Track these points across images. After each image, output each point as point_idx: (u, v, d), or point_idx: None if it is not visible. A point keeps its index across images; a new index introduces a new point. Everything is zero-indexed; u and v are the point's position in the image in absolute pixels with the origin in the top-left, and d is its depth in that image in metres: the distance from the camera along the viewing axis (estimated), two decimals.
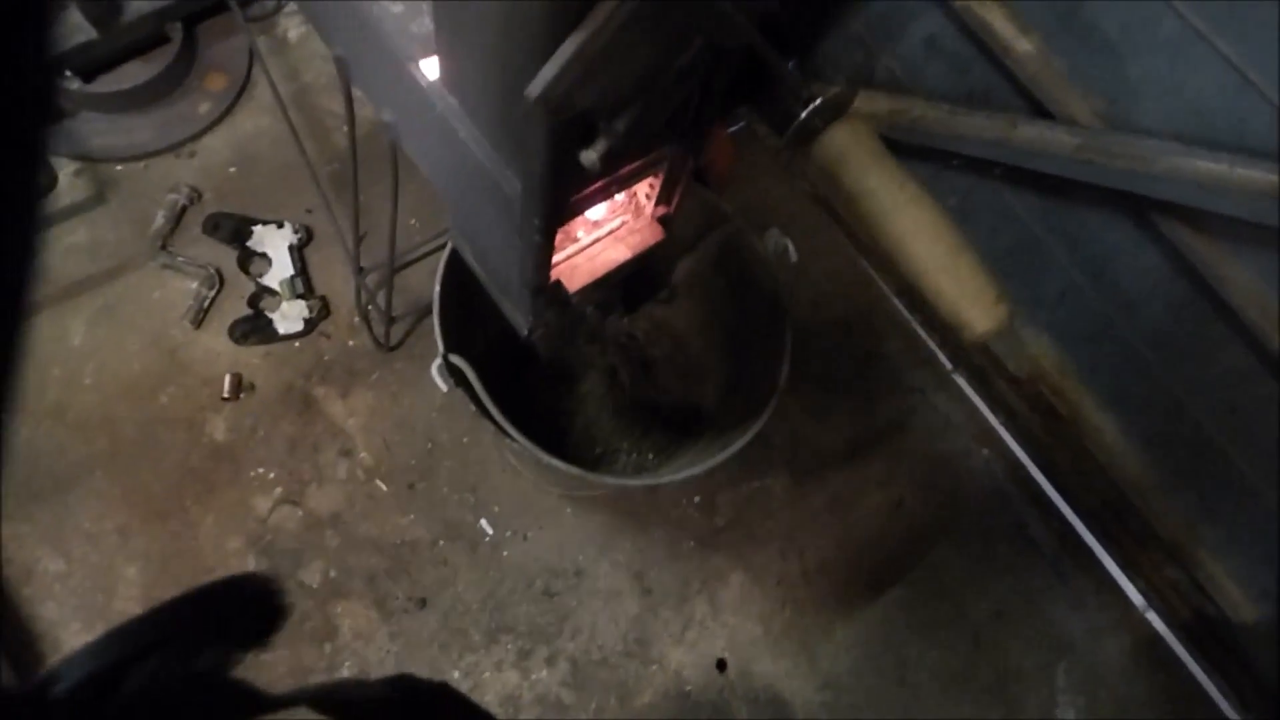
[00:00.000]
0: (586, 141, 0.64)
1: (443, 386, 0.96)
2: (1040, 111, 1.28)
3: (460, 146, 0.75)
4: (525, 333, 0.96)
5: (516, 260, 0.81)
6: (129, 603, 1.34)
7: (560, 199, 0.69)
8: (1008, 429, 1.69)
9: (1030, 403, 1.64)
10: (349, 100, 1.05)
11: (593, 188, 0.74)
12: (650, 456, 1.33)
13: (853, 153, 0.51)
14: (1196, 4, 1.04)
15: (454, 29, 0.68)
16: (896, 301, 1.78)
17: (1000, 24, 1.26)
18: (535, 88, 0.55)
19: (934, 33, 1.40)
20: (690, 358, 1.40)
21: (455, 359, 0.96)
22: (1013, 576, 1.61)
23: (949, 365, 1.74)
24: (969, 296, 0.48)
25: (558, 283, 0.86)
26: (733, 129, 1.81)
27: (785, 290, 1.13)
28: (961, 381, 1.73)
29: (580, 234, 0.92)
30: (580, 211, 0.80)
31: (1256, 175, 1.04)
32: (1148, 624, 1.61)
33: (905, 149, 1.56)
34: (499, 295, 0.97)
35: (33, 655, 1.28)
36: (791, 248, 1.10)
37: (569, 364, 1.33)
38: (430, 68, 0.76)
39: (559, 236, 0.91)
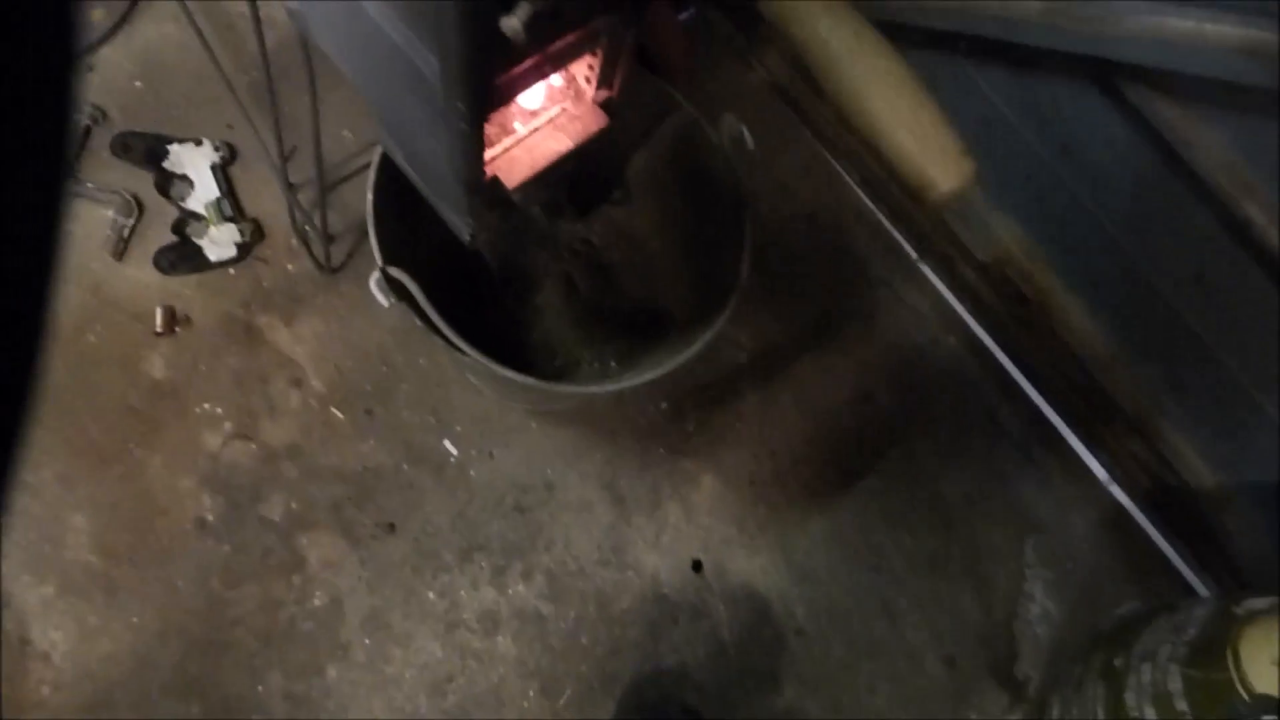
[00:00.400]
0: (507, 6, 0.56)
1: (383, 301, 0.90)
2: None
3: (372, 26, 0.67)
4: (467, 238, 0.89)
5: (446, 156, 0.73)
6: (81, 551, 1.29)
7: (485, 78, 0.62)
8: (975, 316, 1.67)
9: (997, 288, 1.62)
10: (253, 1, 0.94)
11: (522, 66, 0.66)
12: (613, 364, 1.29)
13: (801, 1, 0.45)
14: None
15: None
16: (860, 192, 1.72)
17: None
18: None
19: None
20: (649, 259, 1.34)
21: (394, 271, 0.90)
22: (982, 461, 1.63)
23: (914, 255, 1.70)
24: (932, 153, 0.44)
25: (495, 179, 0.79)
26: (683, 16, 1.69)
27: (743, 181, 1.06)
28: (927, 270, 1.70)
29: (516, 125, 0.84)
30: (511, 96, 0.72)
31: (1227, 30, 0.99)
32: (1111, 497, 1.64)
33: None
34: (436, 200, 0.90)
35: None
36: (747, 134, 1.03)
37: (523, 272, 1.26)
38: None
39: (494, 128, 0.84)
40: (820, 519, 1.52)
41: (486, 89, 0.63)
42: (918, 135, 0.45)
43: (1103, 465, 1.63)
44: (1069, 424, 1.64)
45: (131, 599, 1.28)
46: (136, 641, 1.27)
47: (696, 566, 1.45)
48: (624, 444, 1.48)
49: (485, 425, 1.43)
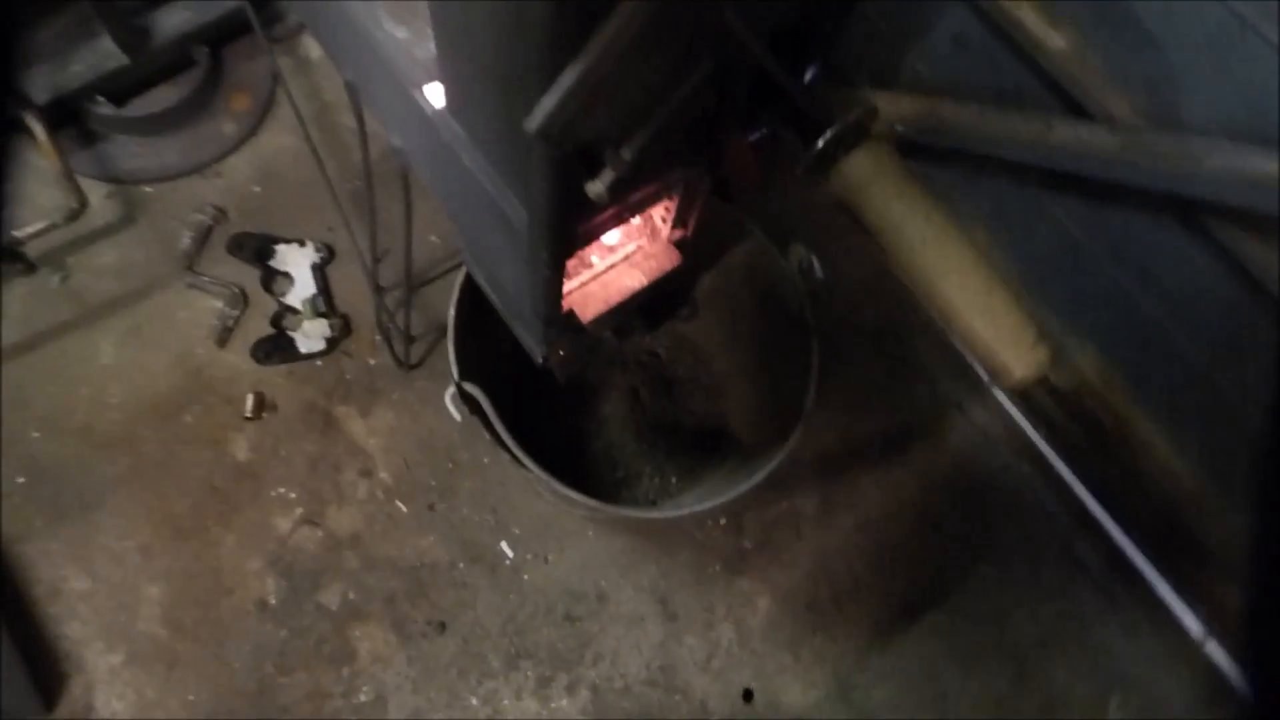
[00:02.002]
0: (593, 172, 0.60)
1: (456, 416, 0.94)
2: (1077, 110, 1.22)
3: (467, 175, 0.73)
4: (539, 360, 0.93)
5: (527, 289, 0.78)
6: (151, 623, 1.34)
7: (568, 231, 0.66)
8: (1050, 443, 1.62)
9: (1074, 415, 1.56)
10: (361, 124, 1.03)
11: (603, 216, 0.71)
12: (674, 480, 1.29)
13: (875, 182, 0.47)
14: None
15: (455, 55, 0.65)
16: (930, 311, 1.71)
17: (1030, 19, 1.21)
18: (534, 120, 0.52)
19: (961, 30, 1.34)
20: (714, 376, 1.36)
21: (469, 387, 0.94)
22: (1059, 601, 1.54)
23: (986, 377, 1.67)
24: (1004, 339, 0.44)
25: (570, 312, 0.83)
26: (754, 137, 1.76)
27: (810, 307, 1.08)
28: (1000, 394, 1.66)
29: (594, 259, 0.89)
30: (592, 240, 0.77)
31: None
32: (1207, 657, 1.52)
33: (935, 152, 1.52)
34: (512, 320, 0.94)
35: (56, 675, 1.29)
36: (817, 264, 1.06)
37: (590, 384, 1.30)
38: (435, 94, 0.74)
39: (573, 262, 0.88)
40: (880, 654, 1.45)
41: (568, 239, 0.67)
42: (991, 322, 0.46)
43: (1197, 618, 1.52)
44: (1156, 567, 1.54)
45: (190, 675, 1.32)
46: (189, 718, 1.30)
47: (748, 696, 1.41)
48: (680, 558, 1.46)
49: (543, 528, 1.45)
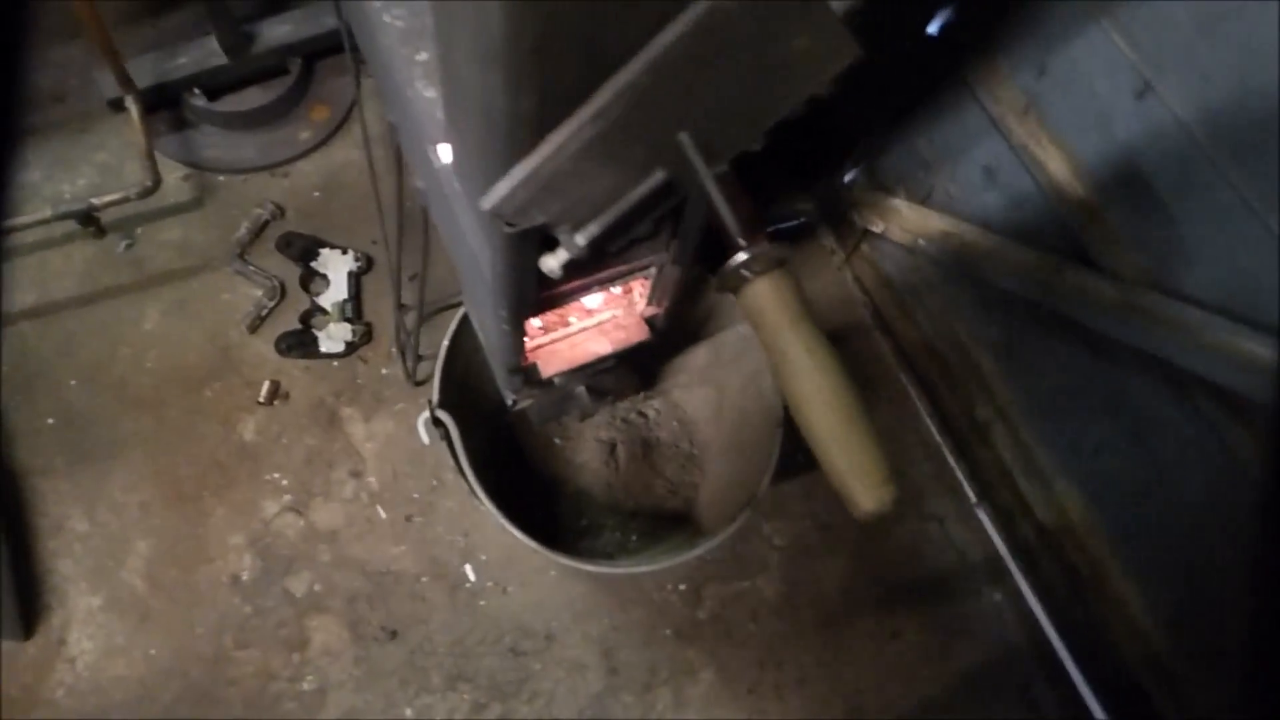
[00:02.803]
0: (549, 249, 0.67)
1: (425, 439, 1.01)
2: (1088, 261, 1.25)
3: (458, 227, 0.81)
4: (509, 402, 1.00)
5: (494, 337, 0.85)
6: (134, 574, 1.43)
7: (525, 296, 0.73)
8: (1026, 577, 1.60)
9: (1054, 555, 1.55)
10: (399, 159, 1.13)
11: (567, 287, 0.78)
12: (634, 538, 1.33)
13: (770, 309, 0.52)
14: (1251, 179, 1.00)
15: (453, 126, 0.73)
16: (929, 423, 1.73)
17: (1056, 166, 1.25)
18: (488, 200, 0.59)
19: (993, 163, 1.39)
20: (695, 444, 1.40)
21: (441, 414, 1.01)
22: None
23: (974, 498, 1.67)
24: (856, 472, 0.48)
25: (533, 365, 0.89)
26: (787, 225, 1.83)
27: (780, 401, 1.12)
28: (985, 518, 1.66)
29: (572, 319, 0.95)
30: (560, 304, 0.83)
31: None
32: None
33: (955, 271, 1.55)
34: (492, 363, 1.01)
35: (40, 606, 1.39)
36: None
37: (571, 432, 1.35)
38: (445, 152, 0.82)
39: (552, 318, 0.95)
40: None
41: (525, 303, 0.74)
42: (846, 455, 0.50)
43: None
44: None
45: (157, 630, 1.40)
46: (147, 672, 1.38)
47: None
48: (634, 615, 1.49)
49: (508, 560, 1.50)
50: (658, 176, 0.64)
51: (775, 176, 1.82)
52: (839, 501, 1.61)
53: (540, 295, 0.76)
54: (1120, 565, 1.45)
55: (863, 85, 1.65)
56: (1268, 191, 1.00)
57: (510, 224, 0.61)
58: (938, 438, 1.72)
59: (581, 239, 0.66)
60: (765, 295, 0.55)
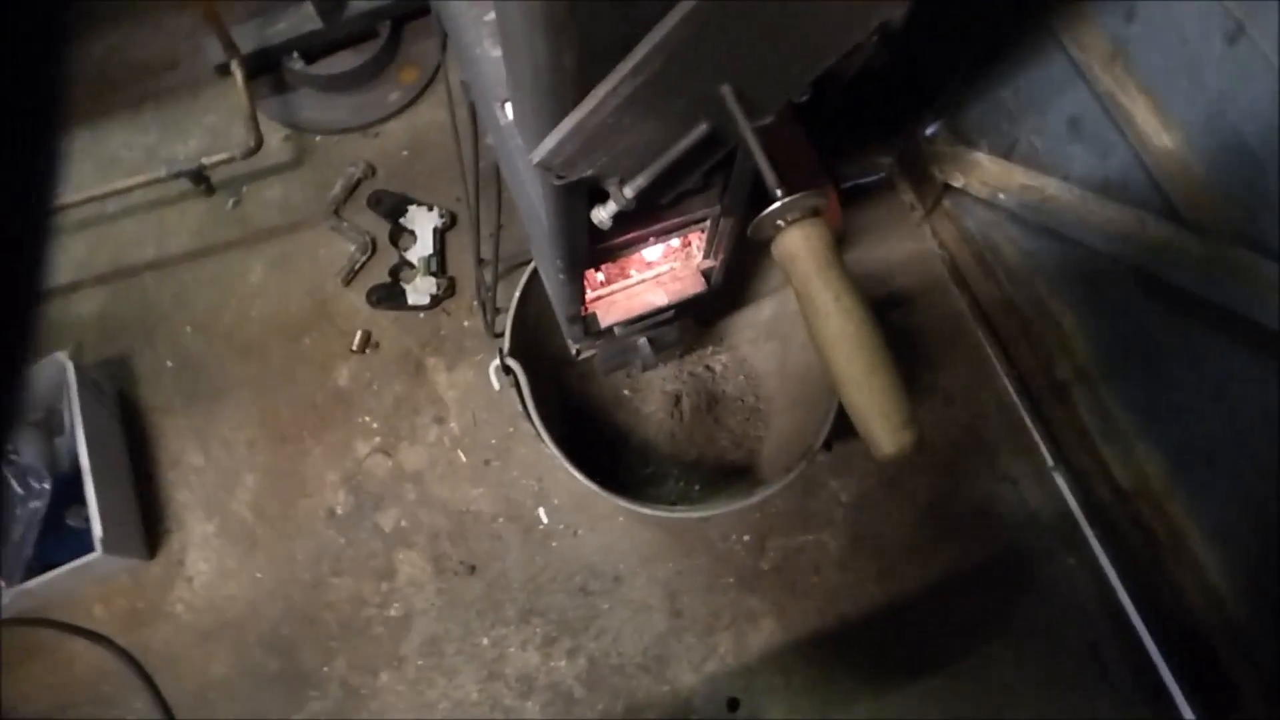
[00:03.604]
0: (599, 201, 0.71)
1: (495, 385, 1.07)
2: (1174, 215, 1.19)
3: (522, 181, 0.85)
4: (573, 353, 1.05)
5: (553, 288, 0.89)
6: (242, 505, 1.57)
7: (576, 246, 0.77)
8: (1101, 542, 1.56)
9: (1131, 518, 1.51)
10: (473, 116, 1.18)
11: (622, 238, 0.81)
12: (696, 487, 1.38)
13: (800, 257, 0.53)
14: None
15: (512, 84, 0.77)
16: (1008, 383, 1.69)
17: (1143, 115, 1.19)
18: (537, 154, 0.63)
19: (1078, 113, 1.33)
20: (760, 398, 1.43)
21: (511, 361, 1.07)
22: (1072, 699, 1.50)
23: (1050, 460, 1.63)
24: (877, 414, 0.49)
25: (592, 315, 0.93)
26: (866, 180, 1.79)
27: None
28: (1061, 480, 1.62)
29: (633, 272, 0.99)
30: (616, 256, 0.87)
31: None
32: None
33: (1038, 227, 1.50)
34: (557, 313, 1.06)
35: (162, 531, 1.55)
36: None
37: (639, 384, 1.40)
38: (508, 111, 0.86)
39: (614, 270, 0.99)
40: (870, 702, 1.48)
41: (579, 253, 0.78)
42: (869, 398, 0.52)
43: None
44: (1185, 693, 1.46)
45: (262, 556, 1.55)
46: (255, 593, 1.53)
47: (732, 705, 1.47)
48: (698, 562, 1.54)
49: (579, 505, 1.57)
50: (701, 128, 0.67)
51: (854, 131, 1.79)
52: (914, 461, 1.60)
53: (594, 247, 0.80)
54: (1199, 529, 1.40)
55: (943, 33, 1.61)
56: None
57: (559, 176, 0.65)
58: (1015, 397, 1.68)
59: (629, 191, 0.69)
60: (796, 243, 0.57)
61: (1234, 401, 1.23)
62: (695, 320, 1.25)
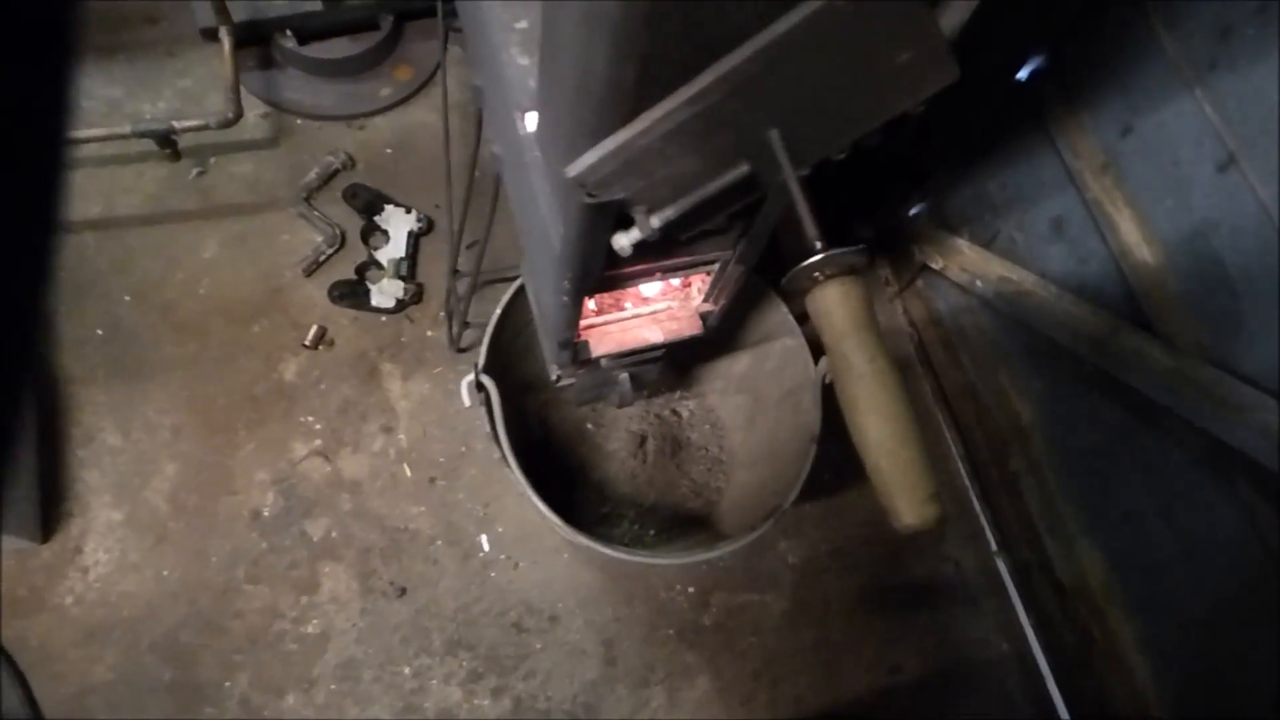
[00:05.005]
0: (623, 227, 0.67)
1: (466, 400, 1.02)
2: (1145, 326, 1.22)
3: (533, 195, 0.81)
4: (553, 377, 1.00)
5: (551, 309, 0.85)
6: (157, 495, 1.46)
7: (589, 269, 0.73)
8: (1036, 633, 1.58)
9: (1067, 615, 1.53)
10: (479, 124, 1.14)
11: (630, 269, 0.78)
12: (651, 533, 1.33)
13: (838, 314, 0.52)
14: None
15: (548, 94, 0.74)
16: (960, 465, 1.71)
17: (1127, 228, 1.23)
18: (574, 168, 0.60)
19: (1063, 215, 1.37)
20: (724, 450, 1.40)
21: (485, 379, 1.02)
22: None
23: (994, 545, 1.65)
24: (902, 486, 0.48)
25: (585, 342, 0.90)
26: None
27: (820, 419, 1.12)
28: (1003, 567, 1.63)
29: (628, 305, 0.96)
30: (620, 286, 0.84)
31: None
32: None
33: (1008, 318, 1.53)
34: (541, 336, 1.02)
35: (60, 512, 1.42)
36: None
37: (604, 420, 1.36)
38: (531, 120, 0.83)
39: (608, 300, 0.96)
40: None
41: (589, 277, 0.75)
42: (896, 468, 0.50)
43: None
44: None
45: (172, 553, 1.43)
46: (156, 592, 1.41)
47: None
48: (639, 611, 1.49)
49: (524, 536, 1.50)
50: (742, 169, 0.64)
51: (841, 198, 1.81)
52: (857, 527, 1.59)
53: (604, 273, 0.76)
54: (1134, 636, 1.42)
55: (943, 119, 1.65)
56: None
57: (591, 195, 0.62)
58: (966, 481, 1.70)
59: (657, 220, 0.66)
60: (835, 299, 0.55)
61: (1183, 515, 1.26)
62: (673, 366, 1.22)
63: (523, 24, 0.88)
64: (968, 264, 1.58)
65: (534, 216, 0.83)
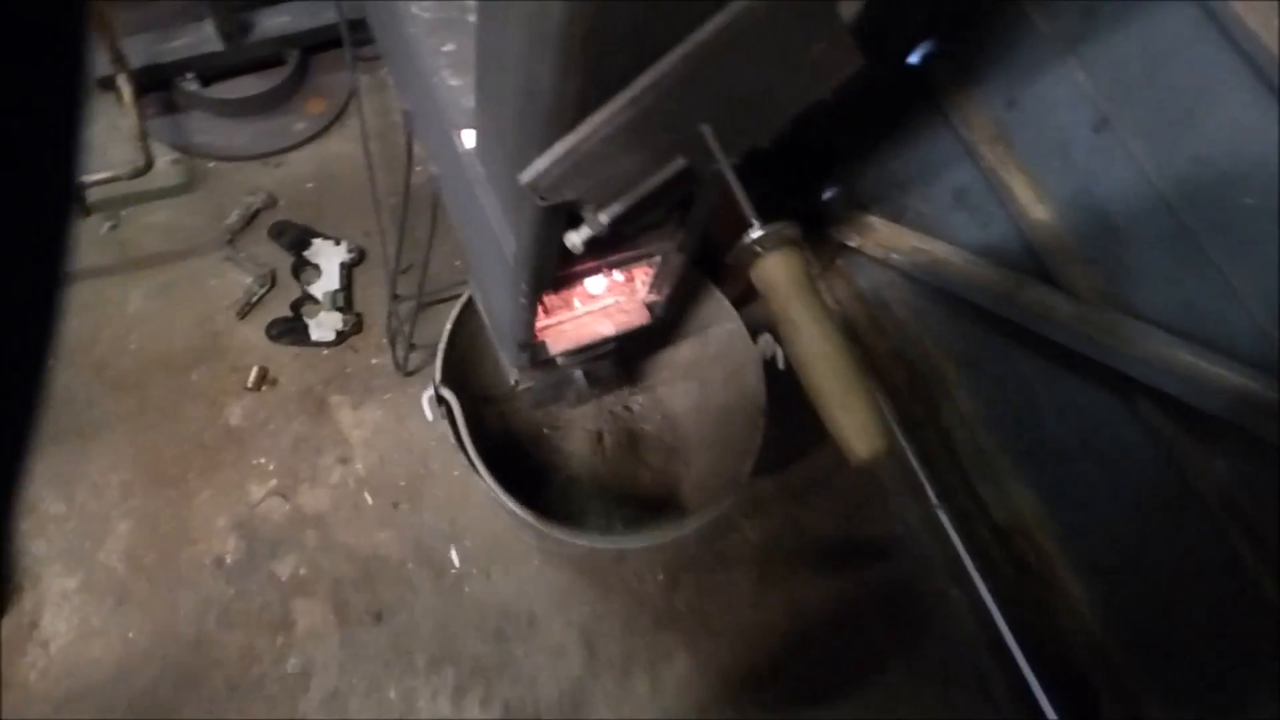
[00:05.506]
0: (573, 226, 0.72)
1: (429, 415, 1.04)
2: (1047, 278, 1.34)
3: (479, 208, 0.85)
4: (512, 382, 1.04)
5: (509, 313, 0.89)
6: (112, 556, 1.42)
7: (545, 269, 0.78)
8: (982, 575, 1.69)
9: (1006, 553, 1.64)
10: (409, 148, 1.17)
11: (580, 266, 0.83)
12: (619, 524, 1.38)
13: (781, 282, 0.58)
14: (1192, 208, 1.11)
15: (486, 111, 0.78)
16: (896, 429, 1.81)
17: (1021, 190, 1.34)
18: (527, 175, 0.65)
19: (964, 185, 1.48)
20: (678, 437, 1.46)
21: (445, 391, 1.05)
22: None
23: (935, 500, 1.75)
24: (854, 426, 0.54)
25: (542, 343, 0.94)
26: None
27: (765, 393, 1.19)
28: (944, 518, 1.74)
29: (576, 303, 1.00)
30: (571, 285, 0.88)
31: (1227, 375, 1.08)
32: None
33: (925, 285, 1.64)
34: (497, 343, 1.06)
35: (10, 588, 1.37)
36: (780, 356, 1.17)
37: (561, 421, 1.40)
38: (469, 138, 0.87)
39: (557, 301, 1.00)
40: None
41: (545, 277, 0.79)
42: (846, 412, 0.57)
43: None
44: (1056, 709, 1.59)
45: (136, 613, 1.40)
46: (125, 655, 1.37)
47: None
48: (614, 603, 1.53)
49: (493, 546, 1.53)
50: (678, 163, 0.70)
51: (758, 191, 1.90)
52: (810, 501, 1.67)
53: (558, 271, 0.81)
54: (1068, 562, 1.54)
55: (847, 106, 1.75)
56: (1206, 218, 1.11)
57: (543, 198, 0.67)
58: (903, 443, 1.80)
59: (605, 217, 0.71)
60: (777, 269, 0.61)
61: (1099, 446, 1.39)
62: (621, 362, 1.27)
63: (449, 47, 0.92)
64: (882, 239, 1.68)
65: (481, 228, 0.87)
